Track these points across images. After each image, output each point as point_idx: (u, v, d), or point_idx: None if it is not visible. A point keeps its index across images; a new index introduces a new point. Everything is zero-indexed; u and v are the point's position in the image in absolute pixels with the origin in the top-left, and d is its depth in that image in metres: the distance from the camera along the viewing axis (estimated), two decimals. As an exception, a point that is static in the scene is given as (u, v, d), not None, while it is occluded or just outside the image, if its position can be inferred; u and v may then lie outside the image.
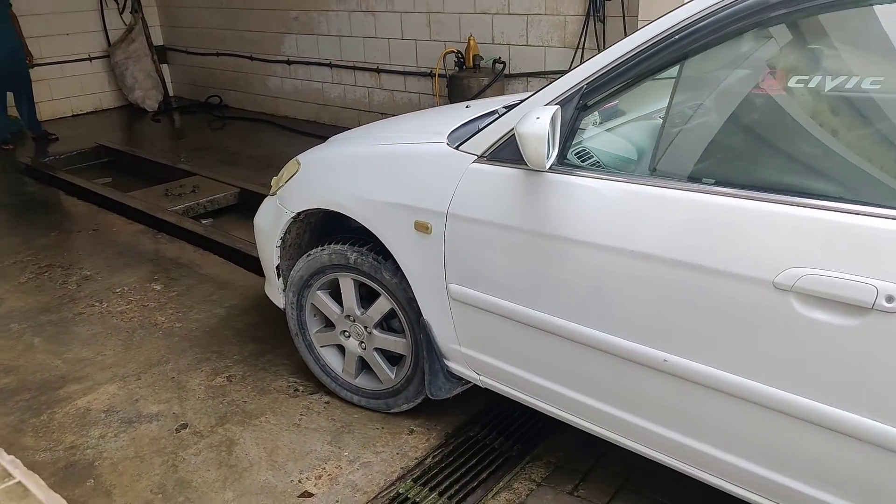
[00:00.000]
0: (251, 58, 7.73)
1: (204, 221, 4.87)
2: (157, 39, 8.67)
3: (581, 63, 1.94)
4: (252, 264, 4.02)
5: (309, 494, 2.32)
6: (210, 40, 8.17)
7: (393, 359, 2.63)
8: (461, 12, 5.65)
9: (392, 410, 2.67)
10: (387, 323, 2.56)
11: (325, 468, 2.44)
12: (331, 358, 2.77)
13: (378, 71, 6.49)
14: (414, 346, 2.46)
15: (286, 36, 7.24)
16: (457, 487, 2.35)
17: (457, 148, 2.14)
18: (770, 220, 1.54)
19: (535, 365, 2.09)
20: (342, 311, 2.60)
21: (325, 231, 2.79)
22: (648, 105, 2.20)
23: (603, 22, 4.85)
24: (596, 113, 2.03)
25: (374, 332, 2.55)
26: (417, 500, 2.31)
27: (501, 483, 2.36)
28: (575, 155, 1.94)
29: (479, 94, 5.23)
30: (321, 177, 2.54)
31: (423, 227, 2.16)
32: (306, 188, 2.58)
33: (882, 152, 1.57)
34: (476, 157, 2.07)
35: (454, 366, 2.35)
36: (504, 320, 2.08)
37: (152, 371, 3.04)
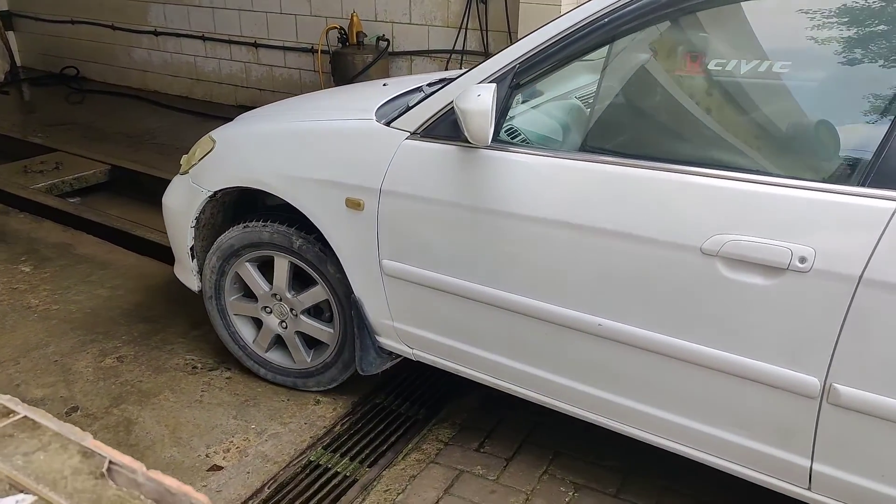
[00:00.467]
0: (112, 27, 7.24)
1: (71, 200, 4.56)
2: (2, 5, 7.92)
3: (505, 46, 2.01)
4: (133, 244, 3.84)
5: (218, 467, 2.28)
6: (64, 7, 7.55)
7: (311, 341, 2.61)
8: (342, -12, 5.60)
9: (299, 388, 2.67)
10: (315, 309, 2.54)
11: (232, 441, 2.41)
12: (243, 328, 2.71)
13: (256, 45, 6.29)
14: (340, 337, 2.47)
15: (152, 5, 6.84)
16: (367, 451, 2.40)
17: (388, 125, 2.15)
18: (697, 191, 1.67)
19: (472, 335, 2.15)
20: (270, 289, 2.55)
21: (238, 211, 2.71)
22: (565, 85, 2.31)
23: (485, 3, 4.97)
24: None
25: (302, 317, 2.52)
26: (329, 465, 2.34)
27: (410, 445, 2.43)
28: (505, 132, 2.01)
29: (364, 72, 5.22)
30: (241, 154, 2.47)
31: (354, 204, 2.16)
32: (224, 166, 2.50)
33: (792, 129, 1.76)
34: (409, 134, 2.09)
35: (385, 341, 2.36)
36: (439, 293, 2.12)
37: (31, 355, 2.85)
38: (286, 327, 2.57)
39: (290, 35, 6.07)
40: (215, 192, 2.51)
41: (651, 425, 1.93)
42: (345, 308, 2.39)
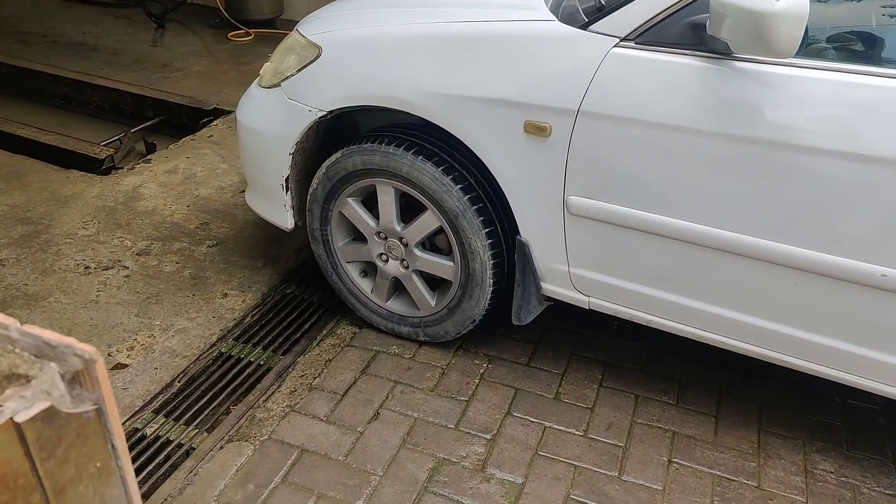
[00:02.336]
0: None
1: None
2: None
3: None
4: (2, 141, 3.51)
5: (122, 366, 2.20)
6: None
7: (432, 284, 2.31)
8: None
9: (430, 341, 2.34)
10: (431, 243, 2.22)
11: (136, 339, 2.32)
12: (357, 276, 2.39)
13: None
14: (462, 275, 2.14)
15: None
16: (280, 340, 2.37)
17: (583, 28, 1.75)
18: None
19: (687, 285, 1.83)
20: (377, 225, 2.21)
21: (328, 131, 2.31)
22: None
23: None
24: None
25: (416, 250, 2.18)
26: (242, 356, 2.30)
27: (325, 331, 2.42)
28: None
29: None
30: (368, 64, 2.02)
31: (537, 129, 1.78)
32: (343, 79, 2.05)
33: None
34: (619, 40, 1.69)
35: (554, 288, 2.05)
36: (651, 238, 1.80)
37: None
38: (408, 267, 2.22)
39: None
40: (329, 112, 2.09)
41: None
42: (461, 238, 2.05)
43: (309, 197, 2.28)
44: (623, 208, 1.79)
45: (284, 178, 2.26)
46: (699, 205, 1.69)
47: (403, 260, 2.23)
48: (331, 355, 2.30)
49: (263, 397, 2.13)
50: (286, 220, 2.35)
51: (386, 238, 2.22)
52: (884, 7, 1.77)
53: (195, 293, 2.55)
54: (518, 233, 1.99)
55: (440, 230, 2.11)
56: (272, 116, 2.22)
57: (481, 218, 2.00)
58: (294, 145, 2.19)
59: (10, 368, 0.48)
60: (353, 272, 2.38)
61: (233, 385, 2.18)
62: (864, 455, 1.97)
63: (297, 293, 2.60)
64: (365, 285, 2.38)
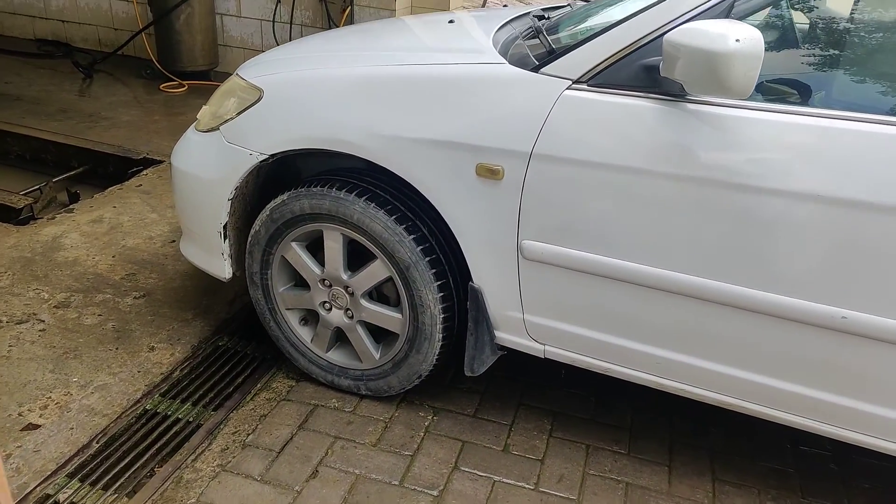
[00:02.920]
0: None
1: None
2: None
3: None
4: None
5: (34, 426, 2.00)
6: None
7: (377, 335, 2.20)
8: None
9: (369, 395, 2.23)
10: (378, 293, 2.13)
11: (50, 397, 2.12)
12: (297, 325, 2.27)
13: (54, -29, 5.55)
14: (410, 327, 2.04)
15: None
16: (212, 395, 2.22)
17: (535, 70, 1.73)
18: None
19: (646, 332, 1.78)
20: (350, 276, 2.08)
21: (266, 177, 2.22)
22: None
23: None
24: None
25: (363, 301, 2.08)
26: (169, 412, 2.13)
27: (259, 385, 2.28)
28: None
29: (186, 1, 4.76)
30: (311, 107, 1.95)
31: (489, 172, 1.74)
32: (286, 122, 1.98)
33: None
34: (571, 83, 1.67)
35: (507, 336, 1.97)
36: (608, 283, 1.74)
37: None
38: (352, 317, 2.12)
39: (96, -41, 5.40)
40: (271, 156, 2.01)
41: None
42: (411, 289, 1.96)
43: (250, 240, 2.17)
44: (578, 252, 1.75)
45: (223, 226, 2.15)
46: (654, 248, 1.67)
47: (348, 310, 2.12)
48: (266, 410, 2.16)
49: (192, 456, 1.97)
50: (223, 270, 2.23)
51: (330, 286, 2.12)
52: (821, 51, 1.84)
53: (119, 347, 2.37)
54: (471, 279, 1.92)
55: (388, 279, 2.03)
56: (210, 161, 2.13)
57: (433, 270, 1.93)
58: (233, 190, 2.09)
59: None
60: (292, 320, 2.26)
61: (158, 444, 2.00)
62: (819, 502, 1.94)
63: (230, 345, 2.46)
64: (305, 334, 2.26)
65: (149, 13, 5.02)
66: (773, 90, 1.71)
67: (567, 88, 1.68)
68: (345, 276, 2.07)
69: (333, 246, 2.05)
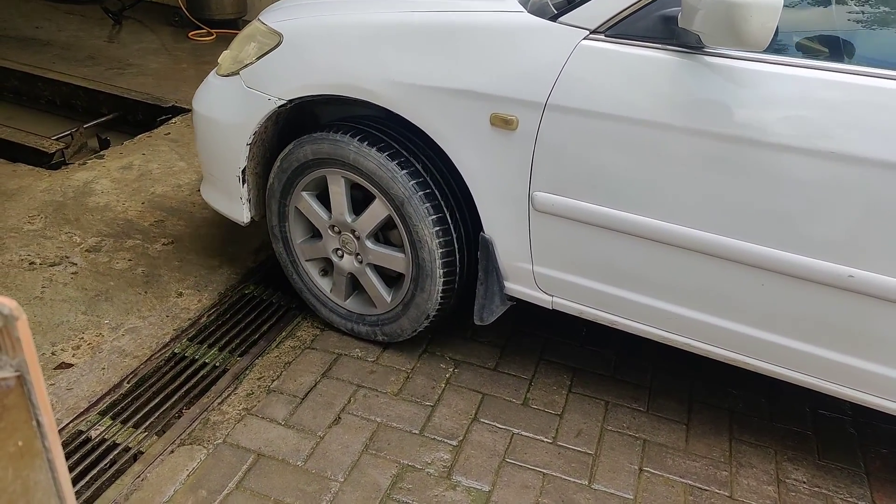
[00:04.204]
0: None
1: None
2: None
3: None
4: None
5: (67, 365, 2.06)
6: None
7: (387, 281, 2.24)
8: None
9: (384, 341, 2.26)
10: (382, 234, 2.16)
11: (83, 337, 2.18)
12: (317, 275, 2.31)
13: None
14: (414, 267, 2.06)
15: None
16: (237, 342, 2.26)
17: (553, 20, 1.70)
18: None
19: (653, 285, 1.78)
20: (339, 216, 2.12)
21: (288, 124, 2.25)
22: None
23: None
24: None
25: (368, 243, 2.10)
26: (196, 357, 2.18)
27: (284, 333, 2.31)
28: None
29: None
30: (329, 53, 1.95)
31: (503, 122, 1.74)
32: (304, 67, 1.99)
33: None
34: (588, 33, 1.65)
35: (517, 287, 1.98)
36: (617, 236, 1.75)
37: None
38: (362, 261, 2.15)
39: None
40: (289, 101, 2.02)
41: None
42: (408, 225, 1.98)
43: (267, 192, 2.20)
44: (590, 205, 1.74)
45: (241, 170, 2.17)
46: (666, 203, 1.66)
47: (357, 254, 2.15)
48: (290, 357, 2.20)
49: (218, 400, 2.02)
50: (242, 214, 2.26)
51: (340, 232, 2.14)
52: (854, 9, 1.77)
53: (148, 291, 2.42)
54: (482, 229, 1.94)
55: (391, 222, 2.03)
56: (230, 105, 2.14)
57: (427, 204, 1.94)
58: (252, 135, 2.11)
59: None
60: (313, 271, 2.29)
61: (186, 387, 2.06)
62: (835, 465, 1.95)
63: (255, 294, 2.50)
64: (325, 285, 2.29)
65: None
66: (802, 46, 1.67)
67: (584, 39, 1.66)
68: (349, 220, 2.09)
69: (337, 190, 2.08)
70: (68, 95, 4.16)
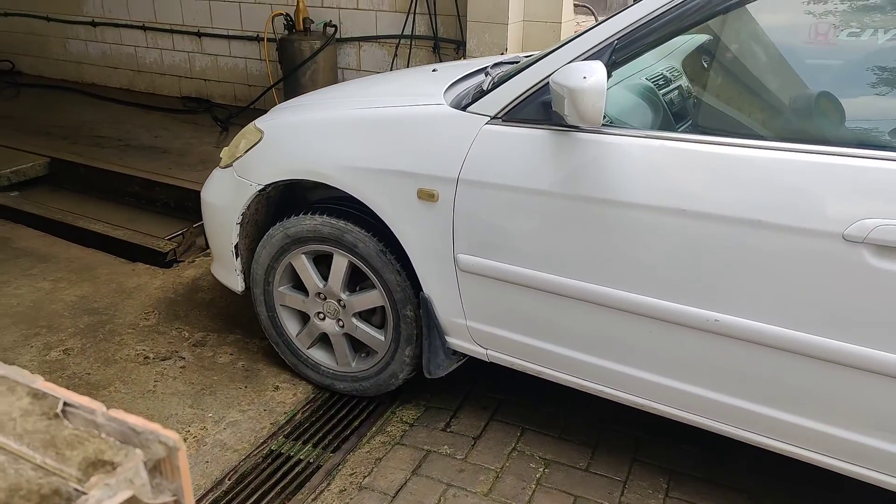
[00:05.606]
0: (47, 18, 6.95)
1: (11, 194, 4.34)
2: (-74, -6, 7.51)
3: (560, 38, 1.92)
4: (75, 235, 3.68)
5: (175, 459, 2.18)
6: (-6, -3, 7.22)
7: (356, 346, 2.48)
8: (288, -26, 5.47)
9: (333, 390, 2.52)
10: (366, 315, 2.40)
11: (189, 430, 2.31)
12: (288, 321, 2.55)
13: (199, 35, 6.11)
14: (393, 346, 2.32)
15: (89, -6, 6.59)
16: (330, 437, 2.33)
17: (463, 109, 2.00)
18: (835, 172, 1.51)
19: (558, 334, 1.98)
20: (325, 286, 2.37)
21: (280, 206, 2.56)
22: (655, 65, 2.13)
23: (435, -13, 4.93)
24: None
25: (354, 319, 2.36)
26: (292, 454, 2.26)
27: (374, 428, 2.37)
28: None
29: (312, 58, 5.11)
30: (295, 145, 2.30)
31: (427, 195, 2.01)
32: (276, 158, 2.33)
33: None
34: (489, 119, 1.93)
35: (456, 341, 2.20)
36: (523, 290, 1.96)
37: (-31, 351, 2.69)
38: (343, 326, 2.39)
39: (234, 23, 5.91)
40: (265, 186, 2.35)
41: (785, 433, 1.76)
42: (400, 315, 2.24)
43: (253, 259, 2.50)
44: (500, 264, 1.98)
45: (234, 245, 2.50)
46: (557, 258, 1.88)
47: (341, 306, 2.40)
48: (381, 453, 2.25)
49: (312, 496, 2.08)
50: (237, 284, 2.58)
51: (321, 297, 2.40)
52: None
53: (247, 385, 2.55)
54: (421, 289, 2.15)
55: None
56: (225, 192, 2.49)
57: (392, 257, 2.20)
58: (240, 215, 2.43)
59: (96, 454, 0.47)
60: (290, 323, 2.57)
61: (282, 483, 2.13)
62: None
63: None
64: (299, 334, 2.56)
65: (279, 70, 5.41)
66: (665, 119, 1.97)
67: (486, 123, 1.94)
68: (344, 295, 2.36)
69: (304, 265, 2.40)
70: (181, 198, 4.52)
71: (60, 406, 0.53)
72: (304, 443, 2.31)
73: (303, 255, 2.37)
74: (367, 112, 2.19)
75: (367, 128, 2.15)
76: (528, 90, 1.88)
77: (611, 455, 2.23)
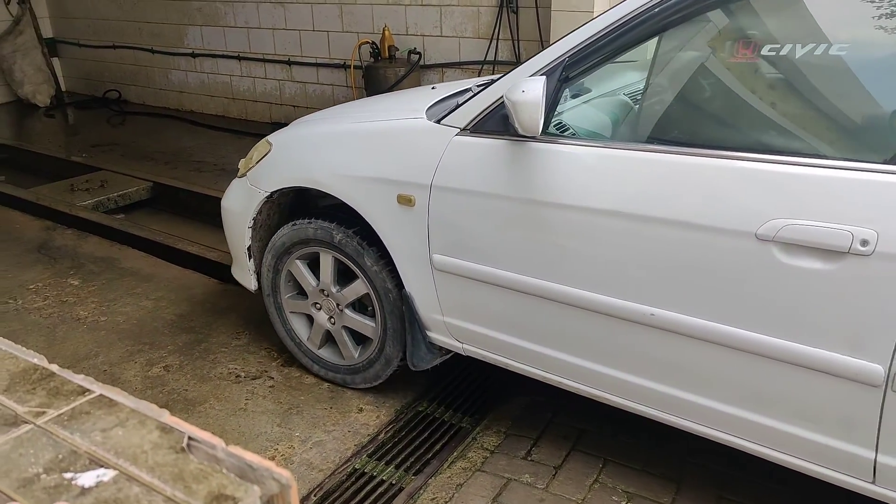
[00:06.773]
0: (152, 51, 7.41)
1: (116, 216, 4.64)
2: (47, 31, 8.16)
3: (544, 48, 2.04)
4: (175, 257, 3.89)
5: (265, 476, 2.27)
6: (105, 32, 7.77)
7: (358, 338, 2.67)
8: (374, 3, 5.65)
9: (349, 386, 2.72)
10: (359, 304, 2.60)
11: (277, 449, 2.40)
12: (297, 325, 2.80)
13: (290, 63, 6.38)
14: (382, 332, 2.50)
15: (190, 28, 6.99)
16: (412, 460, 2.38)
17: (438, 122, 2.19)
18: (751, 176, 1.65)
19: (522, 329, 2.14)
20: (318, 284, 2.62)
21: (293, 211, 2.80)
22: (612, 82, 2.32)
23: (516, 13, 4.98)
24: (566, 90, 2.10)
25: (347, 311, 2.58)
26: (374, 474, 2.32)
27: (455, 453, 2.40)
28: (554, 127, 2.02)
29: (396, 85, 5.25)
30: (296, 156, 2.54)
31: (406, 200, 2.20)
32: (280, 167, 2.57)
33: (850, 112, 1.72)
34: (459, 130, 2.12)
35: (436, 336, 2.38)
36: (489, 287, 2.13)
37: (82, 365, 2.89)
38: (334, 323, 2.62)
39: (322, 52, 6.14)
40: (272, 193, 2.59)
41: (707, 418, 1.89)
42: (383, 302, 2.43)
43: (262, 262, 2.75)
44: (468, 263, 2.15)
45: (247, 247, 2.74)
46: (515, 257, 2.04)
47: (337, 306, 2.60)
48: (461, 479, 2.27)
49: (395, 518, 2.12)
50: (251, 283, 2.83)
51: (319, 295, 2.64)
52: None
53: (332, 406, 2.63)
54: (403, 287, 2.34)
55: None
56: (239, 199, 2.73)
57: (383, 261, 2.40)
58: (251, 220, 2.67)
59: (219, 489, 0.52)
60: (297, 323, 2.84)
61: (366, 502, 2.18)
62: None
63: (428, 412, 2.62)
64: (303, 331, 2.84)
65: (364, 96, 5.59)
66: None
67: (456, 134, 2.12)
68: (334, 290, 2.59)
69: (301, 267, 2.65)
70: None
71: (185, 440, 0.58)
72: (387, 463, 2.36)
73: (297, 261, 2.63)
74: (359, 126, 2.43)
75: (357, 139, 2.38)
76: (492, 104, 2.05)
77: (695, 490, 2.18)
